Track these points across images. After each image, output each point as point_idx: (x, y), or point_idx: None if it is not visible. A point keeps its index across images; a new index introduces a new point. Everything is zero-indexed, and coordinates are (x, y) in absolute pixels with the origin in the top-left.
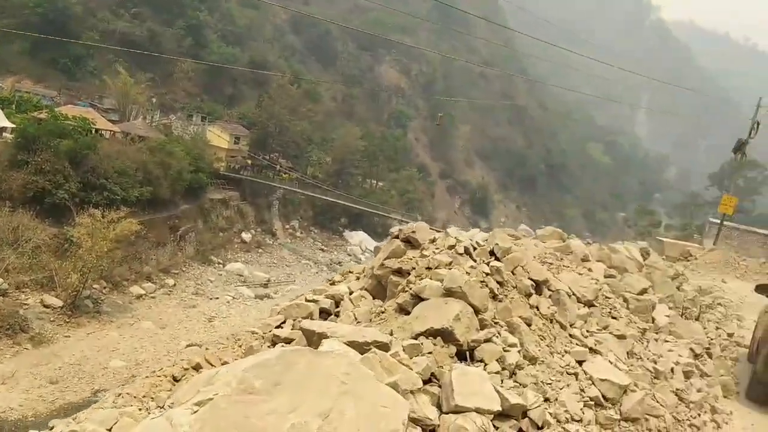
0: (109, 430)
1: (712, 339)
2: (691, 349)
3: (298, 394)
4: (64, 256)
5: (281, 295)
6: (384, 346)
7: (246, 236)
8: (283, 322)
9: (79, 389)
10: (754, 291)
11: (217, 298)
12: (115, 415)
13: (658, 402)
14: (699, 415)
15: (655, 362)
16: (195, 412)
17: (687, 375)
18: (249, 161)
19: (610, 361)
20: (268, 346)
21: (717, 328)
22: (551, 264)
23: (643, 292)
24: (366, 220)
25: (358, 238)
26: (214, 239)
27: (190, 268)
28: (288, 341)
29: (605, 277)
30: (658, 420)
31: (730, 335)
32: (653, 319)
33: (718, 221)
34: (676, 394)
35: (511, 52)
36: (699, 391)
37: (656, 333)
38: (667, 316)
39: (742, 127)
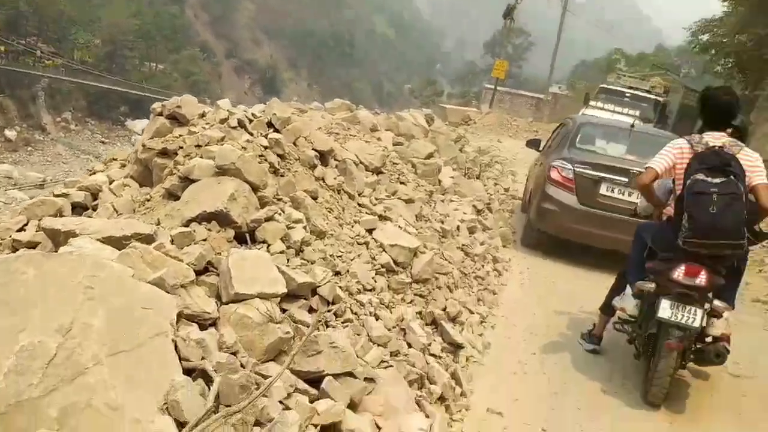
0: None
1: (491, 195)
2: (474, 206)
3: (27, 311)
4: None
5: None
6: (147, 238)
7: (10, 134)
8: (27, 224)
9: None
10: (525, 146)
11: None
12: None
13: (446, 260)
14: (483, 266)
15: (443, 222)
16: None
17: (471, 230)
18: (1, 47)
19: (399, 226)
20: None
21: (495, 184)
22: (338, 134)
23: (430, 156)
24: (148, 107)
25: (141, 125)
26: None
27: None
28: (32, 246)
29: (394, 144)
30: (447, 277)
31: (506, 190)
32: (440, 181)
33: (492, 87)
34: (462, 250)
35: None
36: (482, 244)
37: (443, 194)
38: (452, 177)
39: None
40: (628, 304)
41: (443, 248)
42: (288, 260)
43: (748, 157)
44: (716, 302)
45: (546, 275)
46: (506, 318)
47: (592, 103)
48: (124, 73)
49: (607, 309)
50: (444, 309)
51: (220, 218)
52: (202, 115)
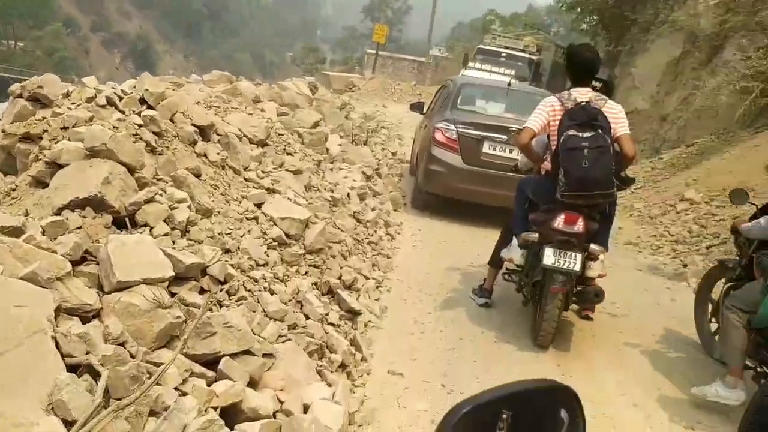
0: None
1: (379, 160)
2: (363, 173)
3: None
4: None
5: None
6: (16, 231)
7: None
8: None
9: None
10: (409, 109)
11: None
12: None
13: (338, 228)
14: (375, 231)
15: (332, 191)
16: None
17: (362, 197)
18: None
19: (289, 198)
20: None
21: (383, 150)
22: (218, 108)
23: (316, 125)
24: (8, 88)
25: (2, 109)
26: None
27: None
28: None
29: (278, 115)
30: (340, 245)
31: (394, 154)
32: (327, 150)
33: (374, 52)
34: (354, 217)
35: None
36: (373, 210)
37: (331, 163)
38: (339, 145)
39: None
40: (515, 254)
41: (335, 217)
42: (174, 242)
43: (612, 110)
44: (592, 246)
45: (437, 235)
46: (401, 281)
47: (470, 64)
48: None
49: (496, 262)
50: (339, 277)
51: (95, 204)
52: (67, 95)
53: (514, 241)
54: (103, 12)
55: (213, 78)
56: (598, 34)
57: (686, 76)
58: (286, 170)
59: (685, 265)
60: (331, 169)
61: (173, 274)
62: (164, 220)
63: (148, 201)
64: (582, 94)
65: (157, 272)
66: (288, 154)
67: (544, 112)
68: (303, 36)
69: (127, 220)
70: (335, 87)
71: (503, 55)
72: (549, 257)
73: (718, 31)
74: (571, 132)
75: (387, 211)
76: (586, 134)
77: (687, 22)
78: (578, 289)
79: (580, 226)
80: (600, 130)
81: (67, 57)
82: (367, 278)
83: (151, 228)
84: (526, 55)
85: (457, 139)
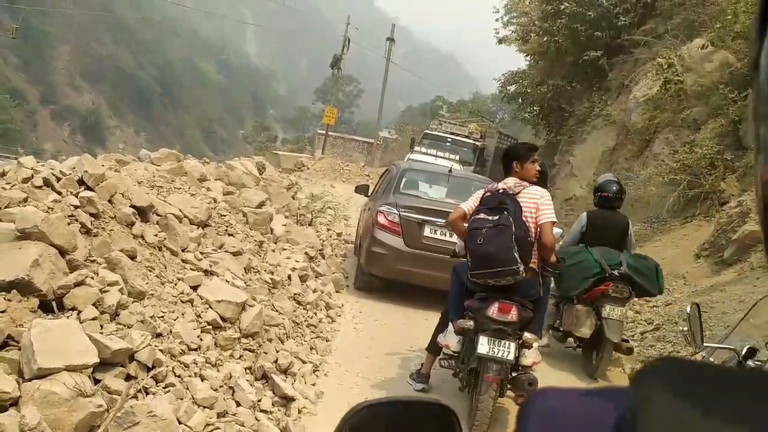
0: None
1: (324, 240)
2: (306, 253)
3: None
4: None
5: None
6: None
7: None
8: None
9: None
10: (355, 191)
11: None
12: None
13: (276, 311)
14: (315, 313)
15: (273, 272)
16: None
17: (303, 279)
18: None
19: (227, 280)
20: None
21: (328, 230)
22: (161, 188)
23: (261, 204)
24: None
25: None
26: None
27: None
28: None
29: (224, 194)
30: (278, 328)
31: (339, 234)
32: (272, 230)
33: (324, 132)
34: (294, 299)
35: None
36: (314, 291)
37: (275, 243)
38: (284, 225)
39: (336, 41)
40: (451, 340)
41: (273, 299)
42: (102, 326)
43: (532, 194)
44: (526, 334)
45: (378, 318)
46: (339, 364)
47: (417, 148)
48: None
49: (433, 347)
50: (275, 361)
51: (22, 287)
52: (2, 175)
53: (450, 326)
54: (53, 85)
55: (161, 156)
56: (539, 124)
57: (620, 165)
58: (226, 251)
59: None
60: (274, 250)
61: (98, 360)
62: (94, 304)
63: (77, 284)
64: (504, 183)
65: (81, 358)
66: (229, 234)
67: (475, 198)
68: (255, 114)
69: (54, 303)
70: (285, 166)
71: (449, 140)
72: (483, 346)
73: (648, 126)
74: (480, 215)
75: (329, 292)
76: (494, 217)
77: (619, 117)
78: (513, 376)
79: (513, 314)
80: (506, 212)
81: (12, 129)
82: (304, 362)
83: (79, 312)
84: (471, 141)
85: (399, 222)
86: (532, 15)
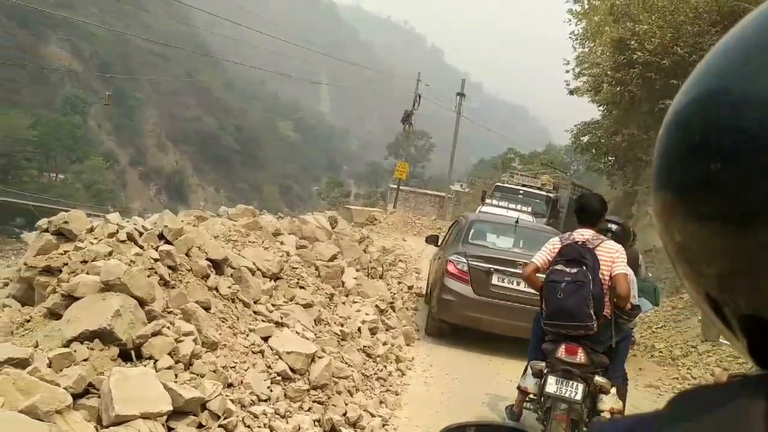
0: None
1: (394, 293)
2: (377, 306)
3: None
4: None
5: None
6: (22, 363)
7: None
8: None
9: None
10: (425, 241)
11: None
12: None
13: (345, 363)
14: (385, 366)
15: (342, 324)
16: None
17: (373, 331)
18: None
19: (297, 332)
20: None
21: (399, 283)
22: (236, 242)
23: (333, 258)
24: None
25: (30, 239)
26: None
27: None
28: None
29: (297, 248)
30: (347, 380)
31: (410, 287)
32: (343, 283)
33: (396, 186)
34: (364, 351)
35: (190, 29)
36: (384, 344)
37: (346, 296)
38: (355, 278)
39: (408, 98)
40: (529, 383)
41: (343, 351)
42: (176, 375)
43: (607, 249)
44: (597, 378)
45: (449, 372)
46: (409, 419)
47: (488, 200)
48: (22, 185)
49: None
50: (344, 414)
51: (104, 336)
52: (91, 230)
53: (529, 369)
54: (141, 147)
55: (237, 212)
56: (614, 174)
57: None
58: (297, 303)
59: None
60: (344, 303)
61: (171, 408)
62: (169, 353)
63: (155, 333)
64: (581, 234)
65: (155, 406)
66: (300, 287)
67: (547, 250)
68: (329, 170)
69: (132, 352)
70: (357, 220)
71: (521, 192)
72: (551, 385)
73: None
74: (558, 267)
75: (399, 345)
76: (573, 270)
77: None
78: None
79: (581, 356)
80: (584, 267)
81: (104, 189)
82: (373, 416)
83: (156, 361)
84: (543, 193)
85: (467, 270)
86: (604, 65)
